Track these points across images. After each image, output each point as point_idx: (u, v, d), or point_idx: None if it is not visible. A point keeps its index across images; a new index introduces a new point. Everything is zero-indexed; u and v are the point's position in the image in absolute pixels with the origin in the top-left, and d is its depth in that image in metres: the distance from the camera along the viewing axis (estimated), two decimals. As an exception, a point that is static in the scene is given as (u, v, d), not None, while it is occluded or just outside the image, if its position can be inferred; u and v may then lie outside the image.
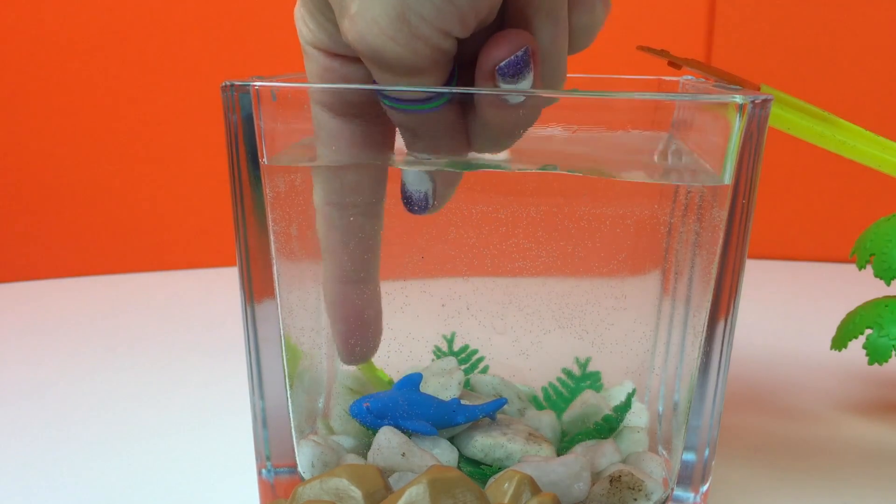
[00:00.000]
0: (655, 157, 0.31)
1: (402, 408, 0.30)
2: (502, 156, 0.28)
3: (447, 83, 0.25)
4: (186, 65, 0.67)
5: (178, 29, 0.66)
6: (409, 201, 0.28)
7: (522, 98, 0.25)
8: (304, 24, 0.27)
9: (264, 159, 0.28)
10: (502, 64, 0.24)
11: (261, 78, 0.28)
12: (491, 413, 0.30)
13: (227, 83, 0.27)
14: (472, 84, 0.26)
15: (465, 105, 0.26)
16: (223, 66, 0.66)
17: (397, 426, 0.29)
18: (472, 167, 0.28)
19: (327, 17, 0.26)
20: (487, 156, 0.28)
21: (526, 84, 0.24)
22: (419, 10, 0.22)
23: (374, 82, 0.26)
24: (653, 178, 0.30)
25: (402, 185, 0.28)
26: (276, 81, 0.28)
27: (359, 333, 0.30)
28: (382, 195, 0.28)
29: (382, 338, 0.32)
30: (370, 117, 0.27)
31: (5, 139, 0.66)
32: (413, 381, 0.30)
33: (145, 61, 0.66)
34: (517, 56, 0.24)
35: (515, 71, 0.24)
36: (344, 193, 0.28)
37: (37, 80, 0.66)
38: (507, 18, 0.25)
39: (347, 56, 0.26)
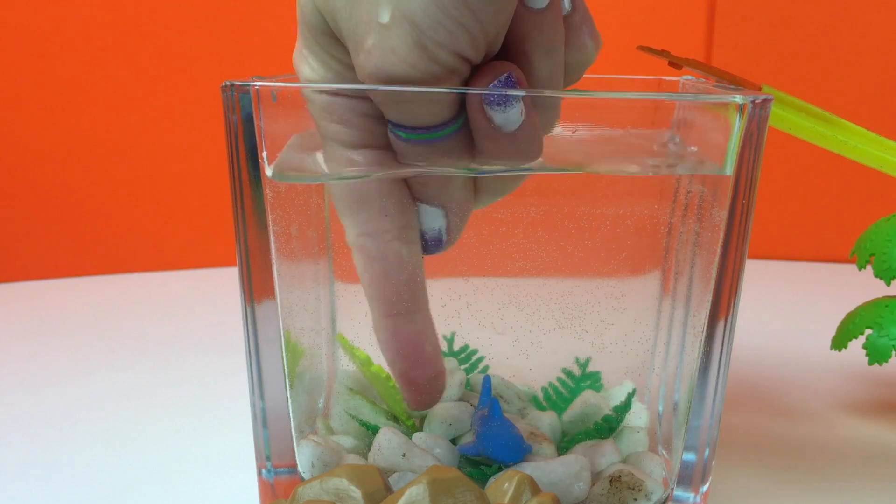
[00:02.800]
0: (655, 152, 0.31)
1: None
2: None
3: (458, 115, 0.25)
4: (186, 65, 0.67)
5: (178, 29, 0.66)
6: (422, 240, 0.28)
7: (516, 126, 0.25)
8: (306, 64, 0.27)
9: (265, 164, 0.28)
10: (486, 92, 0.25)
11: (261, 78, 0.28)
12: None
13: (227, 83, 0.27)
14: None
15: (472, 142, 0.26)
16: (223, 66, 0.66)
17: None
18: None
19: (332, 55, 0.26)
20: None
21: (515, 112, 0.25)
22: (434, 37, 0.23)
23: (380, 113, 0.26)
24: (654, 172, 0.30)
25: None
26: (276, 81, 0.28)
27: (421, 371, 0.29)
28: (412, 221, 0.28)
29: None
30: (385, 146, 0.27)
31: (5, 139, 0.66)
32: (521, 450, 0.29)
33: (145, 61, 0.67)
34: (500, 81, 0.25)
35: (500, 97, 0.25)
36: (373, 220, 0.27)
37: (37, 80, 0.66)
38: (508, 56, 0.26)
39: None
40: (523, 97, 0.25)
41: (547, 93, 0.26)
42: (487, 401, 0.29)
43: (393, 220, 0.27)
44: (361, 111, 0.26)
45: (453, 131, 0.26)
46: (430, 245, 0.28)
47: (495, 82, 0.25)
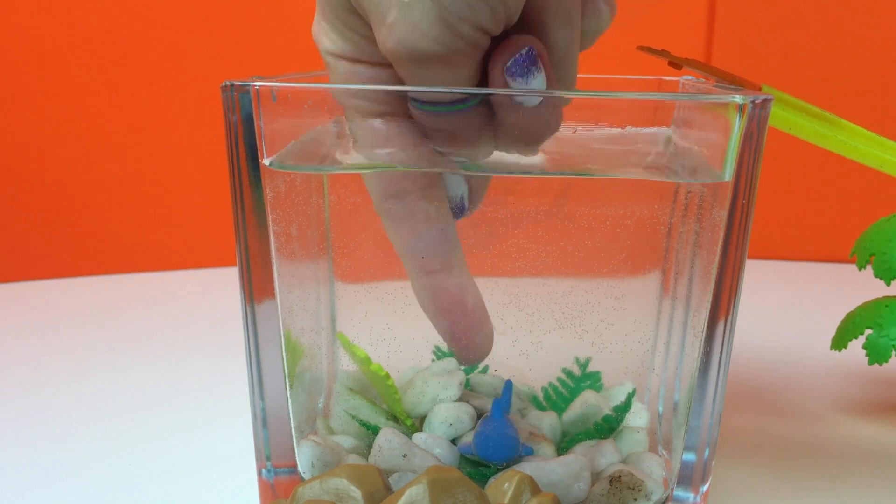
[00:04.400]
0: (655, 155, 0.31)
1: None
2: (536, 159, 0.28)
3: (480, 78, 0.26)
4: (186, 65, 0.67)
5: (178, 29, 0.66)
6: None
7: (537, 101, 0.25)
8: (325, 35, 0.27)
9: (265, 160, 0.28)
10: (509, 63, 0.25)
11: (261, 78, 0.28)
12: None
13: (227, 83, 0.27)
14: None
15: (492, 109, 0.27)
16: (223, 66, 0.66)
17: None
18: (504, 172, 0.28)
19: (350, 27, 0.27)
20: (519, 160, 0.28)
21: (537, 83, 0.25)
22: (456, 12, 0.24)
23: (402, 82, 0.26)
24: (653, 175, 0.30)
25: None
26: (276, 81, 0.28)
27: (465, 324, 0.28)
28: (435, 179, 0.28)
29: (382, 338, 0.32)
30: (404, 115, 0.27)
31: (5, 139, 0.66)
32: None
33: (145, 61, 0.67)
34: (522, 54, 0.25)
35: (522, 70, 0.25)
36: (396, 182, 0.28)
37: (37, 79, 0.66)
38: (526, 26, 0.26)
39: (371, 61, 0.27)
40: (545, 72, 0.25)
41: (554, 93, 0.26)
42: (508, 405, 0.29)
43: (415, 180, 0.28)
44: (382, 81, 0.27)
45: (469, 107, 0.26)
46: (454, 212, 0.29)
47: (517, 56, 0.25)
